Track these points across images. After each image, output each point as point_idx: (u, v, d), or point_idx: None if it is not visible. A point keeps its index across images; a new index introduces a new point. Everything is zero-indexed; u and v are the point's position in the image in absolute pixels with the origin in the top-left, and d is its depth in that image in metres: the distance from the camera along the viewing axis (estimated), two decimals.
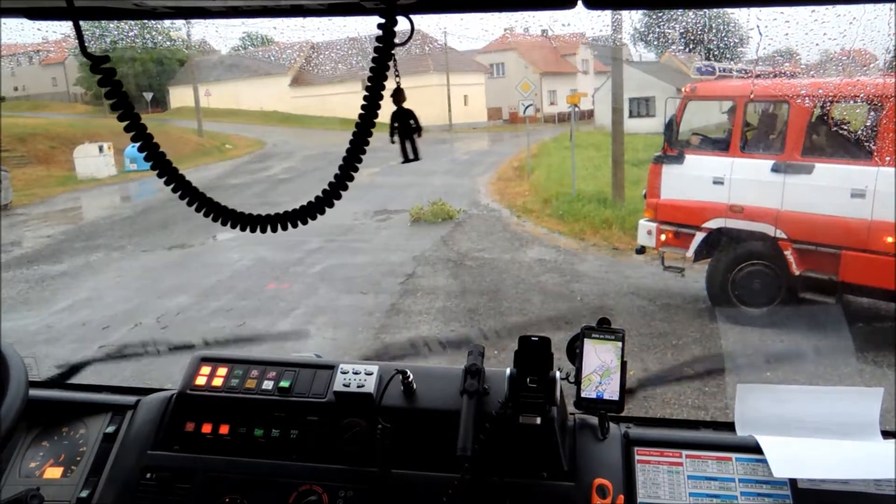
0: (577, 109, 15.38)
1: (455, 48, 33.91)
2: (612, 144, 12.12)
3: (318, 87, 30.94)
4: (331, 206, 0.87)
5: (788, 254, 5.88)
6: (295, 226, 0.88)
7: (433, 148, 24.02)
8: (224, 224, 0.87)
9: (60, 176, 19.08)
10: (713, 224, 6.35)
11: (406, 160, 0.90)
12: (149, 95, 35.80)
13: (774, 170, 5.95)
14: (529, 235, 10.31)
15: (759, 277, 6.14)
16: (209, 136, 27.27)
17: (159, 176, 0.84)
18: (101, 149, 19.25)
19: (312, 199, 0.86)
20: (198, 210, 0.86)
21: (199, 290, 7.46)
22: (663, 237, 6.70)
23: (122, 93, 0.80)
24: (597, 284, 7.65)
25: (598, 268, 8.42)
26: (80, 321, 6.51)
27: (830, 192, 5.57)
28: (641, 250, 7.17)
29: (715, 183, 6.32)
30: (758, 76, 6.61)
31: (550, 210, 11.86)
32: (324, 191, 0.86)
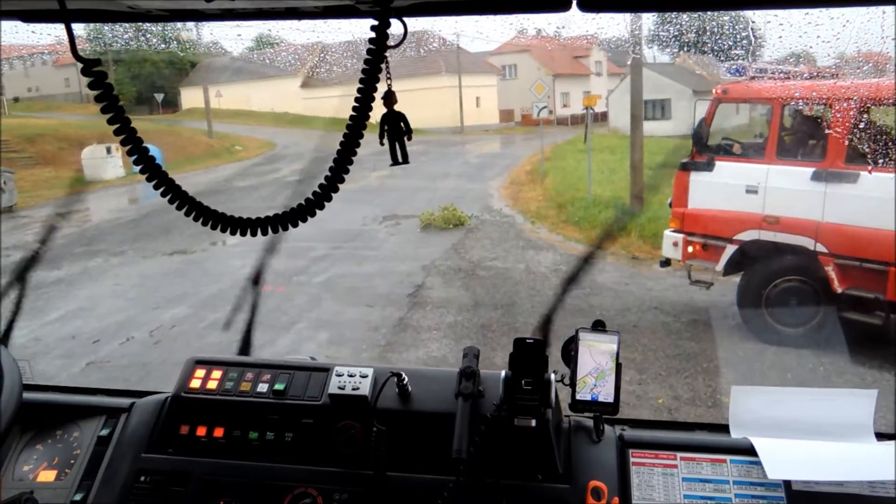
0: (591, 111, 14.95)
1: (467, 49, 33.55)
2: (630, 151, 11.69)
3: (329, 89, 30.67)
4: (321, 208, 0.86)
5: (830, 269, 5.41)
6: (286, 228, 0.87)
7: (444, 150, 23.65)
8: (214, 228, 0.86)
9: (68, 177, 18.89)
10: (746, 236, 5.89)
11: (395, 163, 0.90)
12: (160, 96, 35.80)
13: (815, 178, 5.49)
14: (544, 243, 9.88)
15: (797, 294, 5.68)
16: (219, 138, 27.08)
17: (148, 180, 0.84)
18: (108, 150, 19.04)
19: (303, 202, 0.86)
20: (187, 214, 0.86)
21: (197, 300, 7.10)
22: (690, 249, 6.26)
23: (113, 96, 0.80)
24: (618, 298, 7.21)
25: (619, 279, 7.98)
26: (70, 334, 6.17)
27: (878, 203, 5.09)
28: (666, 263, 6.72)
29: (748, 192, 5.87)
30: (795, 77, 6.15)
31: (566, 216, 11.43)
32: (314, 193, 0.85)
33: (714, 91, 6.19)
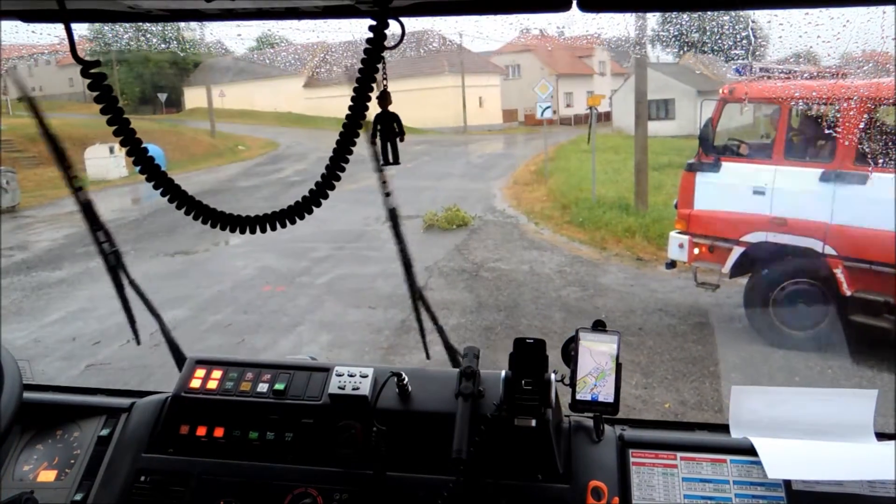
0: (595, 111, 14.86)
1: (470, 49, 33.47)
2: (635, 152, 11.61)
3: (332, 89, 30.65)
4: (317, 205, 0.87)
5: (838, 272, 5.34)
6: (283, 226, 0.88)
7: (447, 150, 23.59)
8: (213, 226, 0.87)
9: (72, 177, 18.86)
10: (753, 238, 5.82)
11: (385, 163, 0.91)
12: (163, 96, 35.80)
13: (823, 179, 5.42)
14: (548, 244, 9.81)
15: (805, 297, 5.60)
16: (222, 137, 27.06)
17: (147, 180, 0.84)
18: (111, 150, 19.02)
19: (299, 200, 0.87)
20: (186, 213, 0.87)
21: (198, 302, 7.05)
22: (697, 251, 6.18)
23: (112, 97, 0.81)
24: (622, 300, 7.14)
25: (623, 281, 7.91)
26: (70, 335, 6.12)
27: (888, 204, 5.02)
28: (672, 265, 6.64)
29: (755, 193, 5.80)
30: (802, 76, 6.07)
31: (570, 217, 11.35)
32: (310, 191, 0.86)
33: (720, 91, 6.12)
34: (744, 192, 5.86)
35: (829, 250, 5.39)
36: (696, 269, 6.34)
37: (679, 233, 6.34)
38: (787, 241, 5.65)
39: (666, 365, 5.25)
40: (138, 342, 1.60)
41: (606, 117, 29.25)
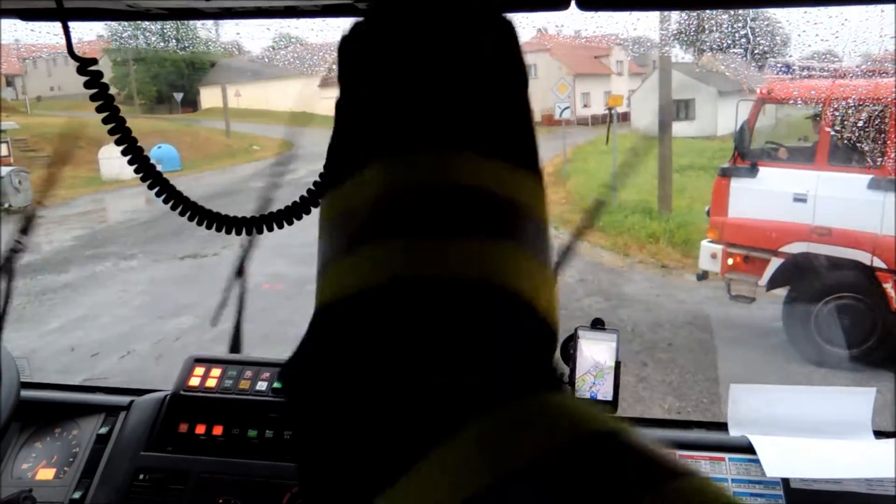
0: (615, 112, 14.48)
1: None
2: (658, 157, 11.24)
3: None
4: (317, 206, 0.85)
5: (889, 287, 4.94)
6: (281, 226, 0.88)
7: None
8: (209, 227, 0.87)
9: (85, 177, 18.80)
10: (793, 248, 5.43)
11: None
12: (179, 96, 35.90)
13: (872, 186, 5.02)
14: None
15: (850, 313, 5.20)
16: (237, 137, 27.02)
17: (143, 180, 0.84)
18: None
19: (296, 200, 0.87)
20: (181, 214, 0.86)
21: (205, 310, 6.77)
22: (730, 261, 5.79)
23: (109, 96, 0.82)
24: (648, 311, 6.76)
25: (648, 290, 7.53)
26: (69, 345, 5.87)
27: None
28: (704, 276, 6.26)
29: (796, 200, 5.41)
30: (846, 75, 5.66)
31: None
32: (308, 190, 0.86)
33: (759, 91, 5.73)
34: (783, 199, 5.47)
35: (878, 263, 4.99)
36: (730, 281, 5.95)
37: (711, 242, 5.96)
38: (831, 252, 5.26)
39: (700, 385, 4.88)
40: None
41: (624, 118, 28.78)
